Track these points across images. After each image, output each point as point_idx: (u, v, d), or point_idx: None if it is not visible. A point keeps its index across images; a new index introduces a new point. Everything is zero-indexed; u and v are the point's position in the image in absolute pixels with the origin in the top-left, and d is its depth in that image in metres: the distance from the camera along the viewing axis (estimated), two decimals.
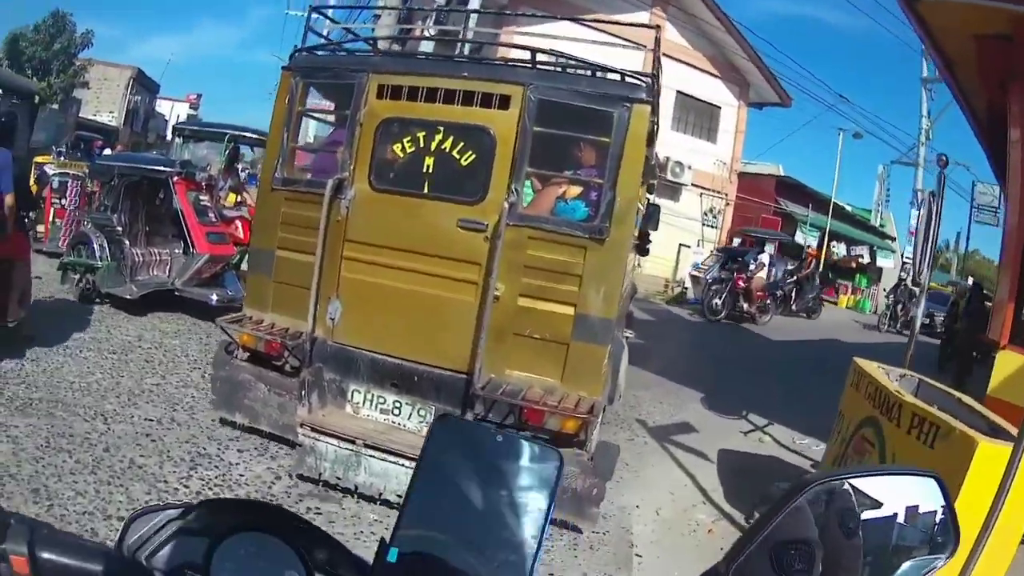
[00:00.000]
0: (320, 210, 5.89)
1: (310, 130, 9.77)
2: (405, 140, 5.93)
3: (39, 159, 17.29)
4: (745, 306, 21.45)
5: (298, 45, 6.78)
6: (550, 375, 5.70)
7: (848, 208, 39.48)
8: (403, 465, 5.50)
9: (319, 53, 6.84)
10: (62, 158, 18.58)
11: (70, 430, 6.09)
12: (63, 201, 14.75)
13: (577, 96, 5.73)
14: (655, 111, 6.01)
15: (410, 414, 5.93)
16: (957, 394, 6.04)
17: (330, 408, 6.08)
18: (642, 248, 8.06)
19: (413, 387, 5.92)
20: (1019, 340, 7.82)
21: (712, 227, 31.10)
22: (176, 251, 11.23)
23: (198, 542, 1.19)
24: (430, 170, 5.85)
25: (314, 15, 7.12)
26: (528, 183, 5.95)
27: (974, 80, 9.23)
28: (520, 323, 5.70)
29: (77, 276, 10.65)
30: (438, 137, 5.81)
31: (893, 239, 41.55)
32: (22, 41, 38.87)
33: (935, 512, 1.28)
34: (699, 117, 30.99)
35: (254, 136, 15.41)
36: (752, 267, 21.82)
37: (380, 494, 5.63)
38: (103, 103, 48.69)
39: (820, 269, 31.85)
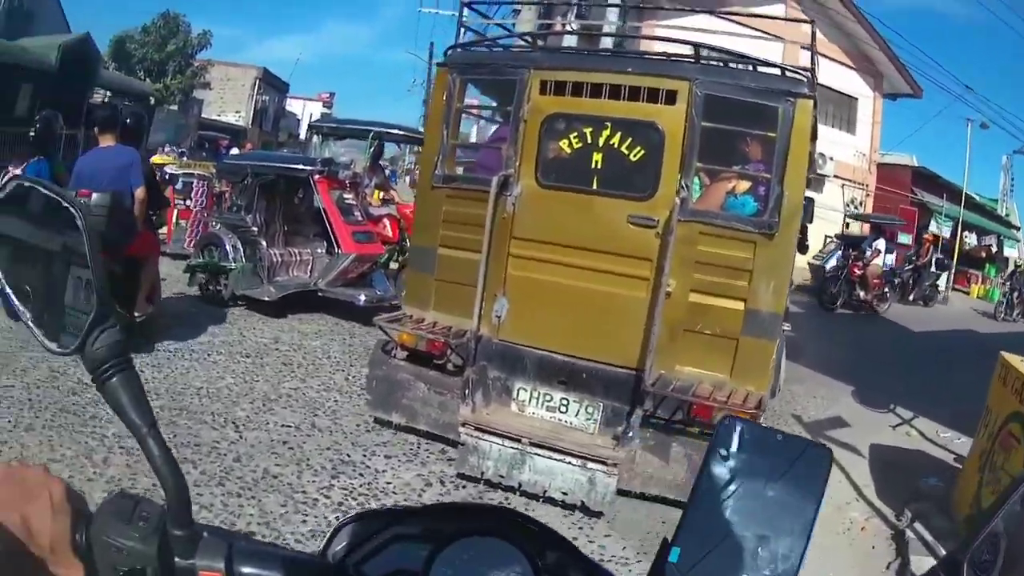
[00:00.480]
0: (485, 207, 5.88)
1: None
2: (572, 136, 5.92)
3: (156, 160, 17.50)
4: (861, 294, 20.71)
5: (434, 42, 6.81)
6: (719, 370, 5.66)
7: (977, 198, 38.45)
8: (569, 463, 5.50)
9: (474, 49, 6.86)
10: (184, 158, 18.98)
11: (196, 439, 5.90)
12: (187, 202, 14.84)
13: (742, 91, 5.67)
14: (816, 106, 5.89)
15: (578, 411, 5.90)
16: None
17: (494, 406, 6.07)
18: (802, 244, 7.91)
19: (581, 384, 5.88)
20: None
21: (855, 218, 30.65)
22: (318, 251, 11.10)
23: (417, 548, 1.14)
24: (598, 166, 5.82)
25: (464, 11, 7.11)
26: (696, 178, 5.89)
27: None
28: (691, 319, 5.66)
29: (204, 277, 10.51)
30: (605, 133, 5.78)
31: (1018, 228, 40.49)
32: (129, 43, 38.73)
33: None
34: (838, 108, 30.53)
35: (400, 132, 15.29)
36: (868, 254, 20.95)
37: (544, 491, 5.60)
38: (228, 103, 49.30)
39: (954, 256, 31.50)
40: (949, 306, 27.88)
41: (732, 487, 1.22)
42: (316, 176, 10.55)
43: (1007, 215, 40.61)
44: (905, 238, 27.70)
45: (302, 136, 41.11)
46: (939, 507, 6.41)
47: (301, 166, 11.05)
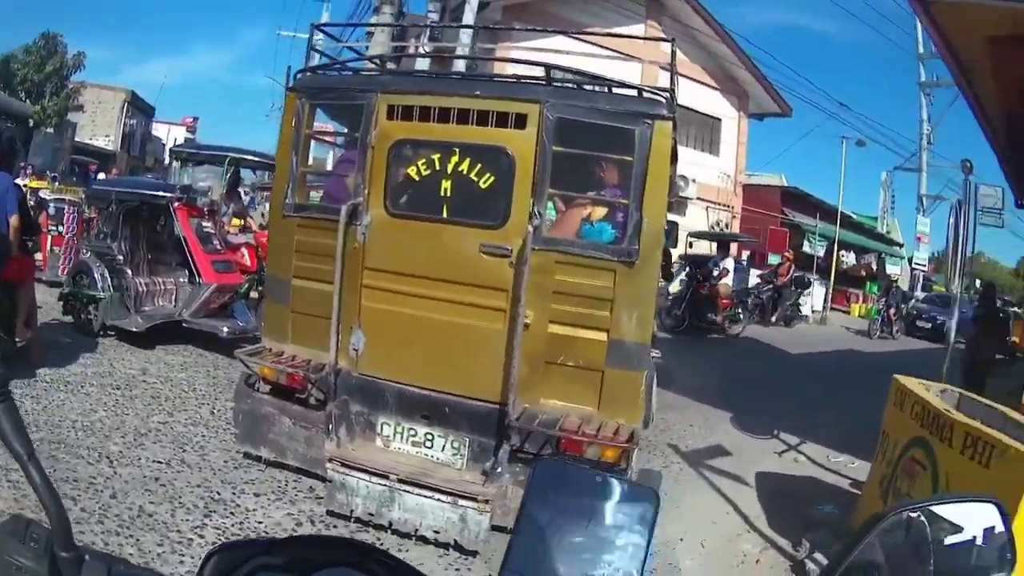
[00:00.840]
0: (335, 237, 5.67)
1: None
2: (420, 163, 5.77)
3: (32, 184, 17.00)
4: (710, 316, 19.97)
5: (291, 66, 6.63)
6: (586, 403, 5.53)
7: (854, 216, 39.14)
8: (439, 500, 5.33)
9: (324, 73, 6.68)
10: (57, 183, 18.38)
11: (74, 474, 5.80)
12: (60, 228, 14.38)
13: (596, 113, 5.54)
14: (676, 127, 5.76)
15: (443, 446, 5.74)
16: (1001, 408, 5.88)
17: (359, 442, 5.90)
18: (666, 270, 7.84)
19: (445, 419, 5.72)
20: None
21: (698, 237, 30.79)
22: (181, 280, 10.84)
23: None
24: (448, 193, 5.67)
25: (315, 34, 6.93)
26: (550, 205, 5.78)
27: (990, 86, 9.03)
28: (552, 351, 5.52)
29: (78, 306, 10.28)
30: (454, 159, 5.63)
31: (901, 245, 41.53)
32: (13, 63, 37.97)
33: (1003, 533, 1.41)
34: (700, 130, 30.80)
35: (255, 159, 15.01)
36: (716, 274, 20.57)
37: (416, 530, 5.44)
38: (99, 127, 48.26)
39: (830, 276, 32.10)
40: (826, 325, 28.53)
41: (553, 530, 1.24)
42: (175, 203, 10.34)
43: (888, 232, 41.84)
44: (776, 259, 27.80)
45: (167, 161, 40.79)
46: (836, 535, 6.30)
47: (161, 193, 10.81)
